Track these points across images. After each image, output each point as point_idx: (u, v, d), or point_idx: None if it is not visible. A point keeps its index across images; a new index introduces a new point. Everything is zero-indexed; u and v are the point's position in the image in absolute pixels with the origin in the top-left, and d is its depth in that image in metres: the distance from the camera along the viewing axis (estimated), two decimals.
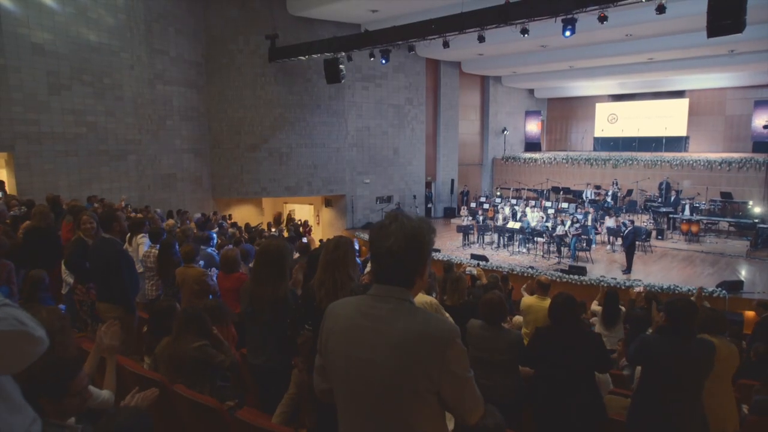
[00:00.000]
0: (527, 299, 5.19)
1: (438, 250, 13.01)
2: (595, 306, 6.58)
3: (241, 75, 15.21)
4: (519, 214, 15.33)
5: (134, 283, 4.33)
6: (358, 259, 2.94)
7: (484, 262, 11.54)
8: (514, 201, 17.54)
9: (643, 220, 15.22)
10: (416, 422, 1.40)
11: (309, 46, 14.12)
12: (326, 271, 2.58)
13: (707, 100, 20.04)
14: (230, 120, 15.37)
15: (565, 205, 16.61)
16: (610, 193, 17.21)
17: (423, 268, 1.45)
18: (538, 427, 3.29)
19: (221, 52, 15.00)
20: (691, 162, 17.06)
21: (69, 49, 10.58)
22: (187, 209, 12.81)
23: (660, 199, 16.24)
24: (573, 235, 12.61)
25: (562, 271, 10.97)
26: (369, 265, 3.78)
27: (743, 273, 11.18)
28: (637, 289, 6.89)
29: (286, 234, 11.32)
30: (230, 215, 14.80)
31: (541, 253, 13.29)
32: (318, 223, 18.62)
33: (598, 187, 18.17)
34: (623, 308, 6.17)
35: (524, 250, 13.71)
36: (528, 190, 19.50)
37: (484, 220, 15.01)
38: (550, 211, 15.32)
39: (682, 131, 20.29)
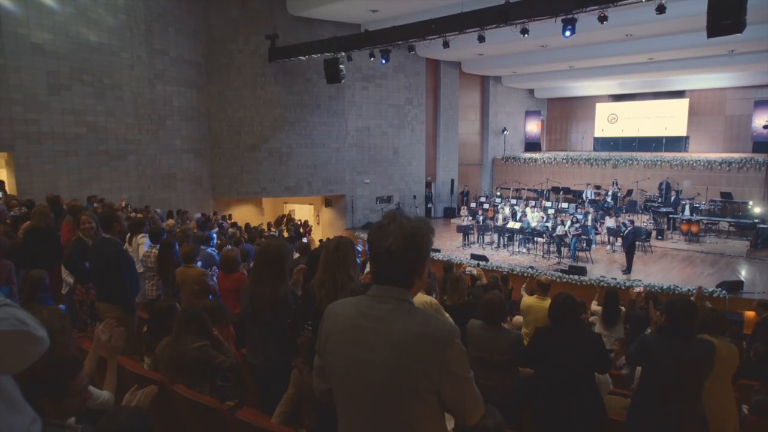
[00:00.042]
0: (527, 299, 5.19)
1: (438, 250, 13.01)
2: (595, 306, 6.59)
3: (241, 75, 15.22)
4: (519, 214, 15.33)
5: (134, 283, 4.33)
6: (358, 260, 2.94)
7: (484, 262, 11.54)
8: (514, 201, 17.54)
9: (643, 220, 15.22)
10: (416, 422, 1.40)
11: (309, 46, 14.12)
12: (326, 271, 2.58)
13: (707, 100, 20.04)
14: (230, 120, 15.37)
15: (565, 205, 16.61)
16: (610, 193, 17.21)
17: (422, 268, 1.45)
18: (538, 428, 3.28)
19: (221, 52, 15.00)
20: (691, 162, 17.06)
21: (69, 49, 10.58)
22: (187, 209, 12.82)
23: (660, 199, 16.25)
24: (573, 235, 12.61)
25: (562, 271, 10.97)
26: (368, 265, 3.78)
27: (743, 273, 11.18)
28: (637, 289, 6.90)
29: (286, 234, 11.32)
30: (230, 215, 14.80)
31: (541, 253, 13.29)
32: (318, 223, 18.63)
33: (598, 187, 18.18)
34: (623, 308, 6.18)
35: (524, 250, 13.71)
36: (528, 190, 19.50)
37: (484, 220, 15.01)
38: (550, 211, 15.32)
39: (682, 131, 20.29)
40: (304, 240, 10.65)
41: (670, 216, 14.98)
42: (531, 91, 24.05)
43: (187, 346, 2.93)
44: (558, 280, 10.19)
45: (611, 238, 13.67)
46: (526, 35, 10.75)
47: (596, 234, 13.66)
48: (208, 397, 2.72)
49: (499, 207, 16.85)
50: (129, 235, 5.54)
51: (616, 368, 4.65)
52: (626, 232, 11.82)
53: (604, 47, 15.76)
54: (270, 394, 3.02)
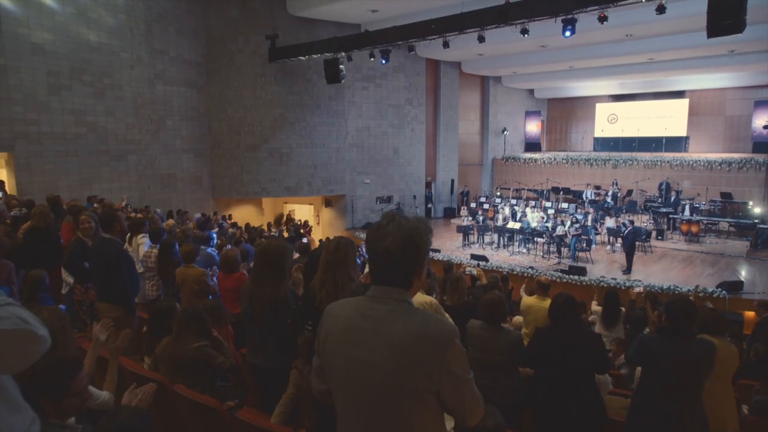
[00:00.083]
0: (527, 299, 5.19)
1: (438, 251, 13.01)
2: (595, 306, 6.59)
3: (241, 75, 15.22)
4: (519, 215, 15.33)
5: (134, 283, 4.33)
6: (358, 260, 2.94)
7: (484, 263, 11.54)
8: (514, 201, 17.53)
9: (643, 221, 15.22)
10: (416, 422, 1.40)
11: (309, 47, 14.13)
12: (327, 271, 2.58)
13: (707, 100, 20.04)
14: (230, 120, 15.37)
15: (565, 205, 16.61)
16: (610, 193, 17.21)
17: (420, 268, 1.45)
18: (538, 428, 3.28)
19: (221, 52, 15.00)
20: (691, 162, 17.06)
21: (69, 49, 10.58)
22: (187, 209, 12.82)
23: (660, 200, 16.25)
24: (573, 236, 12.61)
25: (562, 271, 10.97)
26: (368, 266, 3.78)
27: (743, 273, 11.18)
28: (637, 290, 6.91)
29: (286, 234, 11.31)
30: (230, 215, 14.80)
31: (541, 254, 13.28)
32: (318, 223, 18.62)
33: (598, 188, 18.18)
34: (623, 308, 6.18)
35: (524, 251, 13.71)
36: (528, 190, 19.50)
37: (484, 221, 15.01)
38: (550, 212, 15.31)
39: (682, 131, 20.29)
40: (304, 240, 10.64)
41: (670, 216, 14.97)
42: (531, 91, 24.05)
43: (187, 346, 2.93)
44: (558, 280, 10.19)
45: (611, 238, 13.67)
46: (526, 35, 10.76)
47: (596, 234, 13.66)
48: (208, 397, 2.72)
49: (499, 207, 16.84)
50: (129, 235, 5.54)
51: (615, 368, 4.66)
52: (626, 232, 11.82)
53: (604, 47, 15.76)
54: (270, 394, 3.02)
